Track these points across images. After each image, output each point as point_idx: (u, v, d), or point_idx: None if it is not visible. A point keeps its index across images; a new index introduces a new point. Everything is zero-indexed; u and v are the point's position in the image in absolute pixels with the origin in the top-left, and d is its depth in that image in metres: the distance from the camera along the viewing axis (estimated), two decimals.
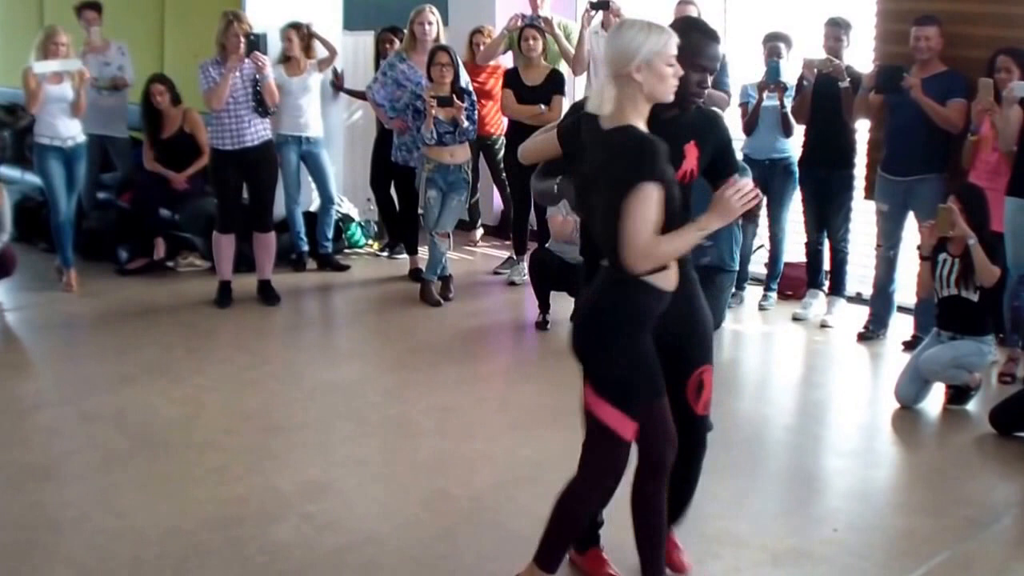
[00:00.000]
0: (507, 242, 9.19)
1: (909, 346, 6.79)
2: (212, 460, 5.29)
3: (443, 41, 8.19)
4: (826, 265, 7.74)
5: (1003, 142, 6.35)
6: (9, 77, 10.56)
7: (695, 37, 3.76)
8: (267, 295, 7.96)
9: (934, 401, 6.15)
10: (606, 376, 3.69)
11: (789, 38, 7.70)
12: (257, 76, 7.56)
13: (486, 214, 9.97)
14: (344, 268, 8.96)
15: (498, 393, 6.56)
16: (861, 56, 7.49)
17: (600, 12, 8.08)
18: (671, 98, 3.56)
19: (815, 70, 7.31)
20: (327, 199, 8.91)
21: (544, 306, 7.48)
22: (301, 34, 8.62)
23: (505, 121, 8.72)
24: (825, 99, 7.26)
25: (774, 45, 7.63)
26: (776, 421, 6.08)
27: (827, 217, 7.55)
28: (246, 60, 7.47)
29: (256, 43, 7.49)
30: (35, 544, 4.46)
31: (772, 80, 7.49)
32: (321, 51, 8.80)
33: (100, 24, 9.02)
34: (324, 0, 9.26)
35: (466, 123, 7.77)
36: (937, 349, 6.06)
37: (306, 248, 8.96)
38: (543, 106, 8.13)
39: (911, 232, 6.88)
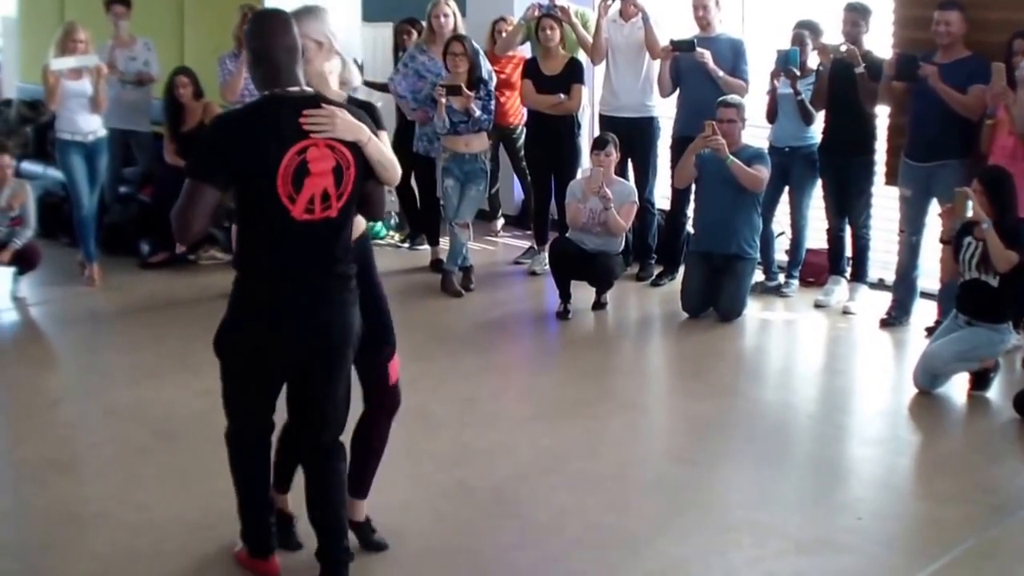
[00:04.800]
0: (528, 232, 9.17)
1: (932, 332, 6.73)
2: None
3: (461, 32, 8.17)
4: (848, 251, 7.70)
5: (1019, 125, 6.29)
6: (32, 74, 10.61)
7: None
8: None
9: (958, 388, 6.11)
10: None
11: (817, 26, 7.65)
12: None
13: (507, 204, 9.94)
14: None
15: (519, 383, 6.56)
16: (880, 41, 7.43)
17: (618, 0, 8.06)
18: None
19: (830, 56, 7.27)
20: None
21: (565, 295, 7.47)
22: None
23: (525, 111, 8.70)
24: (843, 85, 7.21)
25: (798, 32, 7.60)
26: (799, 409, 6.05)
27: (847, 203, 7.50)
28: None
29: None
30: (58, 538, 4.49)
31: (781, 67, 7.46)
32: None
33: (128, 19, 9.05)
34: None
35: (478, 112, 7.73)
36: (940, 344, 6.04)
37: None
38: (562, 95, 8.10)
39: (935, 218, 6.82)
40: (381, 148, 3.76)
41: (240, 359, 3.80)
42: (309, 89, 3.71)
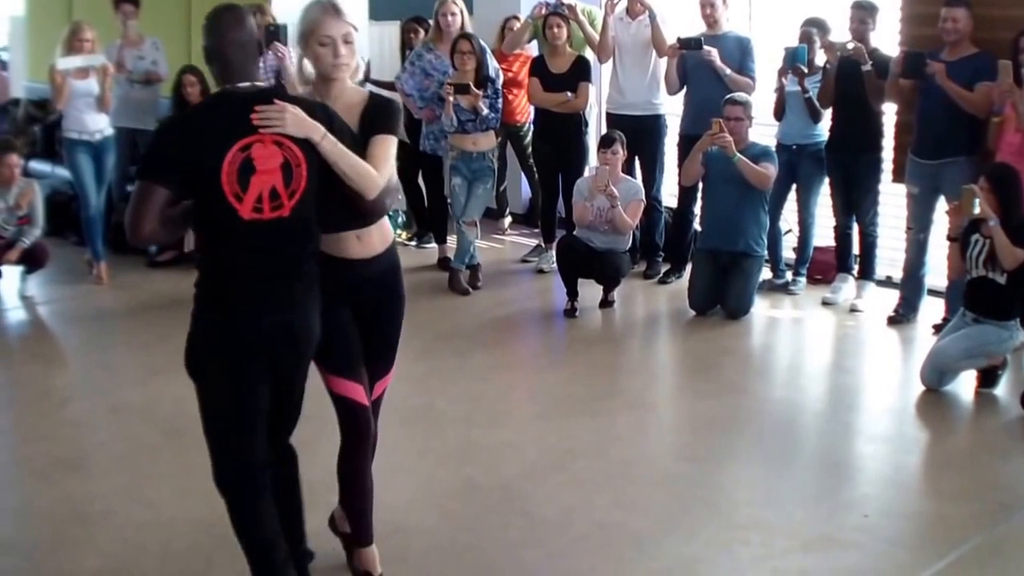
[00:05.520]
0: (535, 230, 9.17)
1: (939, 329, 6.73)
2: None
3: (468, 30, 8.17)
4: (856, 249, 7.69)
5: None
6: (39, 73, 10.63)
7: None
8: None
9: (965, 385, 6.10)
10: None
11: (825, 24, 7.64)
12: (279, 67, 7.58)
13: (514, 202, 9.95)
14: None
15: (526, 381, 6.56)
16: (887, 39, 7.42)
17: None
18: (335, 74, 3.77)
19: (837, 53, 7.26)
20: None
21: (572, 293, 7.47)
22: None
23: (532, 109, 8.70)
24: (850, 83, 7.19)
25: (806, 30, 7.59)
26: (806, 407, 6.05)
27: (855, 201, 7.49)
28: (268, 52, 7.48)
29: (276, 34, 7.50)
30: (66, 536, 4.50)
31: (789, 65, 7.46)
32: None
33: (137, 18, 9.07)
34: None
35: (486, 111, 7.73)
36: (949, 341, 6.03)
37: None
38: (569, 93, 8.10)
39: (942, 215, 6.81)
40: (341, 151, 3.50)
41: (216, 368, 3.58)
42: (262, 84, 3.59)
